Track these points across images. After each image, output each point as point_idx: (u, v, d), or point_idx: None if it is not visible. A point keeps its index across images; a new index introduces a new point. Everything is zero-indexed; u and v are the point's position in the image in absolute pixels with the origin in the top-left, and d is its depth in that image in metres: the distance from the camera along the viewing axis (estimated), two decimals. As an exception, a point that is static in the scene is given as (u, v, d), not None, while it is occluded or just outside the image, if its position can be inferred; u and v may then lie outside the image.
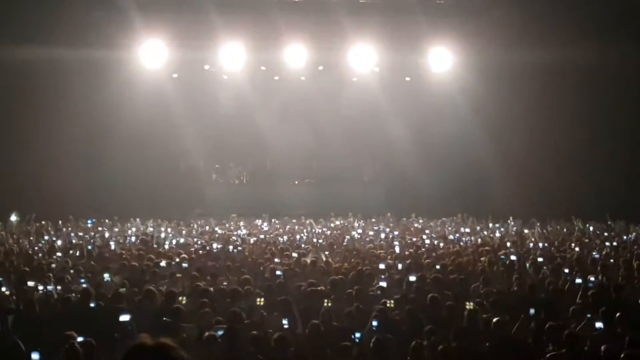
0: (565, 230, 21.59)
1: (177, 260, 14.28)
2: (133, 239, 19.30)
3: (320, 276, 12.73)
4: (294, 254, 15.10)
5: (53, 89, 25.44)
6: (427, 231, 21.96)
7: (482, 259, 14.52)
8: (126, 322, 8.72)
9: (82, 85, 25.96)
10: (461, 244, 18.77)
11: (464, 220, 24.52)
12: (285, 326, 9.16)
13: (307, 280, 11.94)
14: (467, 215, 24.76)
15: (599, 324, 9.20)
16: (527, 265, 14.25)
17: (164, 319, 9.29)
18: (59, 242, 17.76)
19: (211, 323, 9.09)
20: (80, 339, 7.77)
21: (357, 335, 8.83)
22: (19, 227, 20.66)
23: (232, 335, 8.35)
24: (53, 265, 13.47)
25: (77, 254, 15.60)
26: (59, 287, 11.32)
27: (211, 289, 11.23)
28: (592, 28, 23.48)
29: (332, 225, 24.18)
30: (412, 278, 11.79)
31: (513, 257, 14.50)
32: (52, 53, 23.57)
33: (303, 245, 18.04)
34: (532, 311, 10.09)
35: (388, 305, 10.21)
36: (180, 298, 10.54)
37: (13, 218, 21.58)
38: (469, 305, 9.83)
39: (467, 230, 22.42)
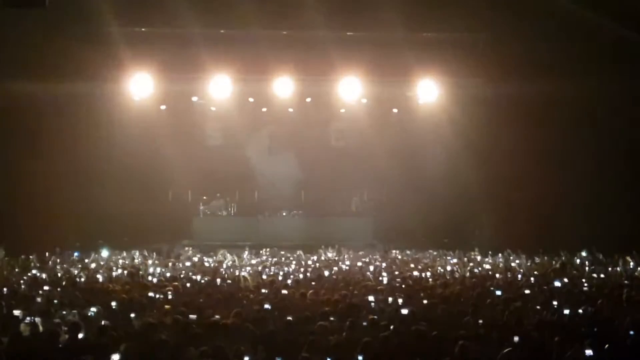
0: (553, 262, 21.58)
1: (168, 291, 14.12)
2: (120, 271, 19.11)
3: (310, 308, 12.60)
4: (284, 290, 14.92)
5: (39, 123, 25.26)
6: (412, 265, 21.80)
7: (471, 292, 14.48)
8: None
9: (68, 118, 25.83)
10: (449, 275, 18.74)
11: (452, 252, 24.49)
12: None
13: (294, 312, 11.83)
14: (455, 247, 24.73)
15: (588, 352, 9.14)
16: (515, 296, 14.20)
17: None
18: (44, 276, 17.55)
19: (192, 358, 8.94)
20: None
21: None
22: (3, 261, 20.41)
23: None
24: (38, 299, 13.28)
25: (63, 284, 15.43)
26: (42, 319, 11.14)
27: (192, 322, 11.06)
28: (581, 61, 23.63)
29: (322, 258, 23.99)
30: (404, 311, 11.72)
31: (498, 292, 14.47)
32: (37, 87, 23.43)
33: (291, 277, 17.94)
34: (516, 339, 10.03)
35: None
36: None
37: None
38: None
39: (455, 261, 22.39)
